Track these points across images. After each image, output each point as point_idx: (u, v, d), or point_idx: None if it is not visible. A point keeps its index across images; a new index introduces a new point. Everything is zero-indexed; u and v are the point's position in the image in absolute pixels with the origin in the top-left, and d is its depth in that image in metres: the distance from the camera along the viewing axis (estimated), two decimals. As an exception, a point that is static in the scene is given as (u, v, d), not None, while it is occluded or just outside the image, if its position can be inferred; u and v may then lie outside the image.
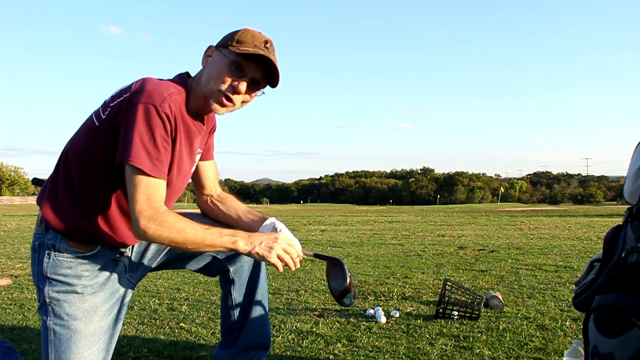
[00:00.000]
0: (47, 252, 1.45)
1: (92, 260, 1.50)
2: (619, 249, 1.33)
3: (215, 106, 1.48)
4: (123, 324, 2.67)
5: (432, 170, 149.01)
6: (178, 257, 1.71)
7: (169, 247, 1.67)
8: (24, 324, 2.72)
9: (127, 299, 1.62)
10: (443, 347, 2.26)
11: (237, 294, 1.77)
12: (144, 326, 2.65)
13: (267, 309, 1.83)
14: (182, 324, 2.67)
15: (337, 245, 6.60)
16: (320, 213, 20.64)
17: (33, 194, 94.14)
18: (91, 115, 1.48)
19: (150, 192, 1.37)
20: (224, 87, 1.45)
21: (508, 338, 2.38)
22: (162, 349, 2.25)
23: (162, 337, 2.46)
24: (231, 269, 1.75)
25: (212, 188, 1.77)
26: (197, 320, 2.75)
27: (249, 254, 1.46)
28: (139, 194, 1.36)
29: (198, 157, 1.66)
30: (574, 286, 1.52)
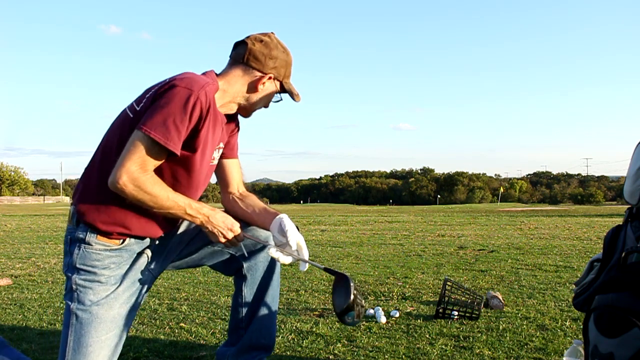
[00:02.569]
0: (77, 244, 1.55)
1: (119, 253, 1.58)
2: (619, 249, 1.33)
3: (248, 115, 1.77)
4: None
5: (432, 170, 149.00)
6: (196, 250, 1.78)
7: (189, 241, 1.77)
8: (24, 324, 2.72)
9: (146, 289, 1.68)
10: (443, 347, 2.26)
11: (248, 292, 1.82)
12: (144, 326, 2.64)
13: (276, 313, 1.86)
14: (182, 324, 2.67)
15: (337, 245, 6.60)
16: (320, 213, 20.62)
17: (33, 194, 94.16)
18: (124, 110, 1.59)
19: (148, 159, 1.47)
20: (260, 106, 1.75)
21: (508, 338, 2.38)
22: (162, 349, 2.25)
23: (162, 337, 2.46)
24: (245, 265, 1.80)
25: (237, 187, 1.86)
26: (197, 320, 2.75)
27: (201, 226, 1.59)
28: (136, 154, 1.45)
29: (219, 152, 1.75)
30: (574, 286, 1.52)
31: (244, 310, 1.82)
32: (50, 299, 3.37)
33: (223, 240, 1.60)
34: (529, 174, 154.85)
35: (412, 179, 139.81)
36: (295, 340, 2.39)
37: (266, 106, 1.76)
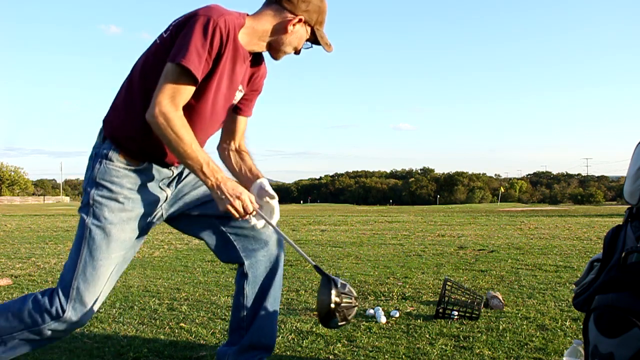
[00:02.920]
0: (100, 159, 1.61)
1: (138, 176, 1.64)
2: (619, 249, 1.33)
3: (277, 56, 1.75)
4: (123, 324, 2.68)
5: (432, 170, 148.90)
6: (204, 216, 1.81)
7: (205, 202, 1.79)
8: (24, 324, 2.72)
9: (154, 225, 1.77)
10: (443, 347, 2.26)
11: (250, 291, 1.83)
12: (144, 326, 2.65)
13: (277, 314, 1.87)
14: (182, 324, 2.67)
15: (337, 245, 6.60)
16: (320, 213, 20.62)
17: (33, 194, 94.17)
18: (155, 40, 1.65)
19: (177, 92, 1.52)
20: (290, 49, 1.73)
21: (508, 338, 2.38)
22: (162, 349, 2.25)
23: (162, 337, 2.46)
24: (246, 263, 1.82)
25: (237, 141, 1.89)
26: (197, 320, 2.75)
27: (210, 189, 1.60)
28: (168, 87, 1.51)
29: (240, 94, 1.77)
30: (574, 286, 1.52)
31: (246, 310, 1.82)
32: (50, 299, 3.37)
33: (230, 207, 1.60)
34: (529, 174, 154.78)
35: (412, 179, 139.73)
36: (295, 340, 2.39)
37: (297, 52, 1.74)
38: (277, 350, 2.24)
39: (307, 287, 3.67)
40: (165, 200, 1.74)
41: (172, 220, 1.83)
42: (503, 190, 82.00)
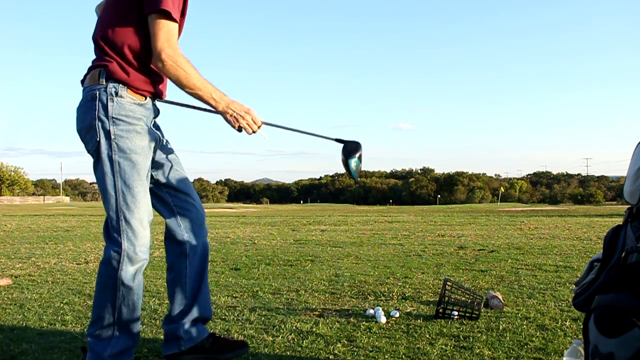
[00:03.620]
0: (110, 97, 1.75)
1: (145, 109, 1.83)
2: (619, 249, 1.33)
3: None
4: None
5: (432, 170, 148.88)
6: (173, 179, 1.96)
7: (175, 168, 1.97)
8: (24, 324, 2.72)
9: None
10: (443, 347, 2.26)
11: (192, 272, 1.98)
12: (144, 326, 2.64)
13: (209, 288, 2.08)
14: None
15: (337, 245, 6.60)
16: (320, 213, 20.63)
17: (33, 194, 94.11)
18: None
19: (170, 35, 1.73)
20: None
21: (508, 338, 2.38)
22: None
23: (162, 337, 2.45)
24: (187, 243, 1.96)
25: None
26: (197, 320, 2.75)
27: (223, 113, 1.81)
28: (162, 33, 1.71)
29: None
30: (574, 286, 1.52)
31: (188, 289, 1.97)
32: (50, 299, 3.37)
33: (243, 123, 1.81)
34: (529, 174, 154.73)
35: (412, 179, 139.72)
36: (295, 340, 2.39)
37: None
38: (277, 350, 2.24)
39: (307, 287, 3.67)
40: (160, 141, 1.91)
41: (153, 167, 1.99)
42: (503, 190, 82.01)
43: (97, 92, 1.75)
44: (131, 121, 1.76)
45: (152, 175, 1.92)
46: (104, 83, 1.75)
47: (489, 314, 2.83)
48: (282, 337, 2.43)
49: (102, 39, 1.80)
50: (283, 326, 2.61)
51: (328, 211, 24.80)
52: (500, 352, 2.20)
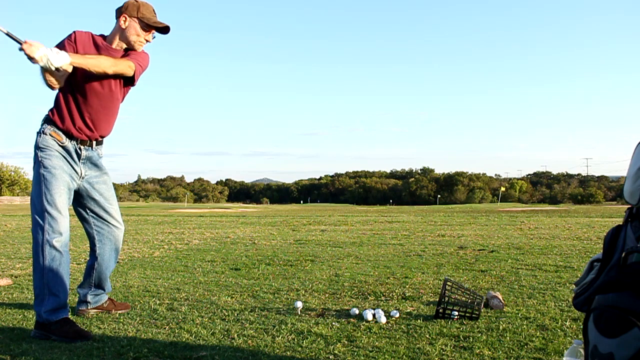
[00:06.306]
0: (40, 133, 2.63)
1: (63, 148, 2.63)
2: (619, 249, 1.33)
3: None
4: (123, 324, 2.68)
5: (432, 170, 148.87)
6: (90, 205, 2.81)
7: (95, 196, 2.80)
8: (24, 324, 2.72)
9: (74, 187, 2.70)
10: (443, 347, 2.26)
11: (99, 267, 2.86)
12: (144, 326, 2.64)
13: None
14: (182, 324, 2.67)
15: (337, 245, 6.60)
16: (320, 213, 20.63)
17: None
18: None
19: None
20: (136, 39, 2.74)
21: (508, 338, 2.38)
22: (162, 349, 2.25)
23: (162, 337, 2.46)
24: (97, 248, 2.84)
25: None
26: (197, 320, 2.75)
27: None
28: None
29: None
30: (574, 286, 1.52)
31: (95, 274, 2.86)
32: (50, 299, 3.37)
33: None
34: (529, 174, 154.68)
35: (412, 179, 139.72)
36: (295, 340, 2.39)
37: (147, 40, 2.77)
38: (277, 350, 2.24)
39: (307, 287, 3.67)
40: (79, 175, 2.68)
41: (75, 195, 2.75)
42: (503, 190, 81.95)
43: (37, 131, 2.66)
44: (52, 148, 2.60)
45: (84, 204, 2.79)
46: (42, 123, 2.67)
47: (489, 314, 2.83)
48: (282, 337, 2.43)
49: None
50: (283, 326, 2.61)
51: (328, 211, 24.81)
52: (500, 352, 2.20)
